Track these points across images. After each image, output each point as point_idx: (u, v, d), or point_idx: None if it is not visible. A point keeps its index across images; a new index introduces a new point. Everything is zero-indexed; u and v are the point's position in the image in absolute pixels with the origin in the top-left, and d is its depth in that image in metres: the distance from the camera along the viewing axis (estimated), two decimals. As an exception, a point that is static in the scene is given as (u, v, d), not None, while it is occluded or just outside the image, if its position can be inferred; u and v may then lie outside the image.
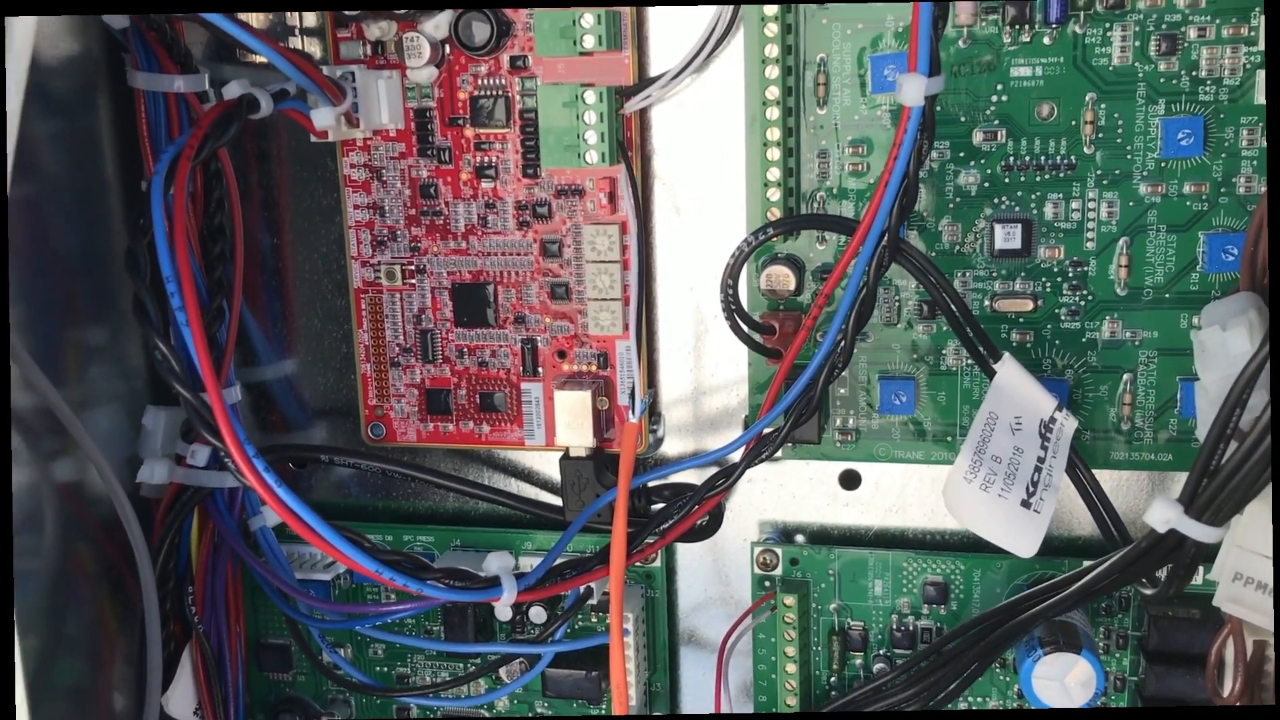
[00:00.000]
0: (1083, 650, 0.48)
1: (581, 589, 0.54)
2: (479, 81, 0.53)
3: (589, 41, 0.50)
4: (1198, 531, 0.41)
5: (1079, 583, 0.45)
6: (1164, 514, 0.41)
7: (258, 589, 0.60)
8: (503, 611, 0.51)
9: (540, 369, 0.56)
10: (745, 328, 0.50)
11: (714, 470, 0.51)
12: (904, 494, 0.56)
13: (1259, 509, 0.46)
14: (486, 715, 0.60)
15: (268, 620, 0.62)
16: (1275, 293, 0.43)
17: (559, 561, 0.52)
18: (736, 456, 0.50)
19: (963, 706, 0.55)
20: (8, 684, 0.48)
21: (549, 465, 0.59)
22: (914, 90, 0.42)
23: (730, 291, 0.49)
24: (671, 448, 0.58)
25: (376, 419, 0.58)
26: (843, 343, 0.47)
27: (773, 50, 0.49)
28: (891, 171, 0.44)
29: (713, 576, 0.60)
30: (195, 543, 0.58)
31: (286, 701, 0.63)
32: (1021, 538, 0.46)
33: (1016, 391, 0.47)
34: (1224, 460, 0.40)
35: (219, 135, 0.47)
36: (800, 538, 0.57)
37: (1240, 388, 0.40)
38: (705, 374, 0.57)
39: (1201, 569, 0.49)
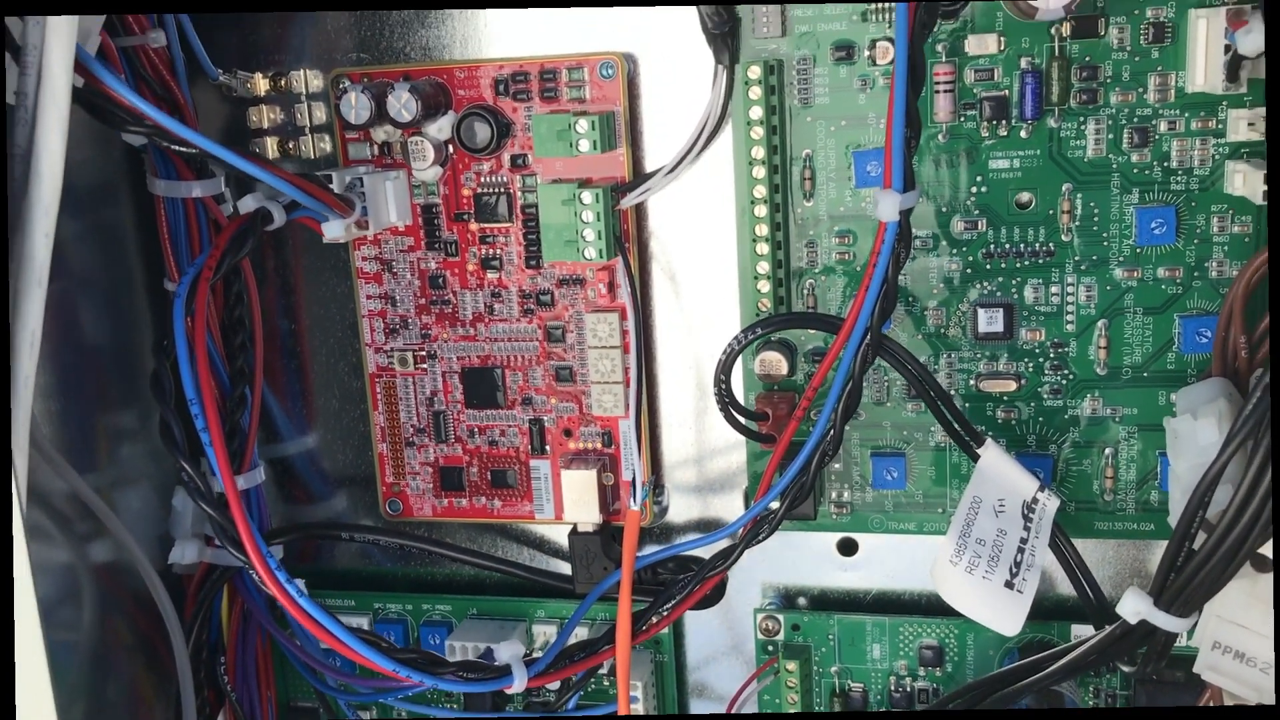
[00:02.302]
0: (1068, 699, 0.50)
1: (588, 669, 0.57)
2: (481, 179, 0.56)
3: (584, 145, 0.53)
4: (1166, 622, 0.43)
5: (1063, 660, 0.47)
6: (1134, 606, 0.43)
7: (287, 657, 0.63)
8: (515, 691, 0.54)
9: (548, 447, 0.59)
10: (741, 419, 0.52)
11: (718, 545, 0.54)
12: (899, 560, 0.58)
13: (1238, 583, 0.48)
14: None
15: (297, 685, 0.65)
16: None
17: (569, 643, 0.54)
18: (738, 534, 0.53)
19: (960, 762, 0.58)
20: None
21: (559, 536, 0.61)
22: (889, 207, 0.44)
23: (723, 386, 0.51)
24: (677, 513, 0.60)
25: (394, 495, 0.61)
26: (832, 431, 0.49)
27: (759, 152, 0.51)
28: (871, 278, 0.46)
29: (720, 634, 0.62)
30: (226, 616, 0.61)
31: (318, 761, 0.66)
32: (1006, 617, 0.48)
33: (999, 475, 0.49)
34: (1192, 555, 0.42)
35: (236, 250, 0.50)
36: (802, 600, 0.60)
37: (1205, 485, 0.42)
38: (707, 442, 0.59)
39: (1186, 633, 0.51)
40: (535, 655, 0.54)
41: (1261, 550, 0.42)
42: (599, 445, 0.58)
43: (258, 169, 0.49)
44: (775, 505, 0.52)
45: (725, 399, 0.51)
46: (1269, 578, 0.46)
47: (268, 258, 0.61)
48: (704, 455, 0.60)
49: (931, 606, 0.58)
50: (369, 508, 0.63)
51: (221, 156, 0.47)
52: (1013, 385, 0.53)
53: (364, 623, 0.62)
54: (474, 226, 0.57)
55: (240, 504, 0.46)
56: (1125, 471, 0.53)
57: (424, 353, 0.59)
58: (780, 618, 0.58)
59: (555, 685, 0.59)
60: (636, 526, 0.52)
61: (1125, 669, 0.48)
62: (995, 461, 0.50)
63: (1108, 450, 0.53)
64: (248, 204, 0.52)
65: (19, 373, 0.42)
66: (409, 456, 0.60)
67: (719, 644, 0.62)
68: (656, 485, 0.59)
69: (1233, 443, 0.40)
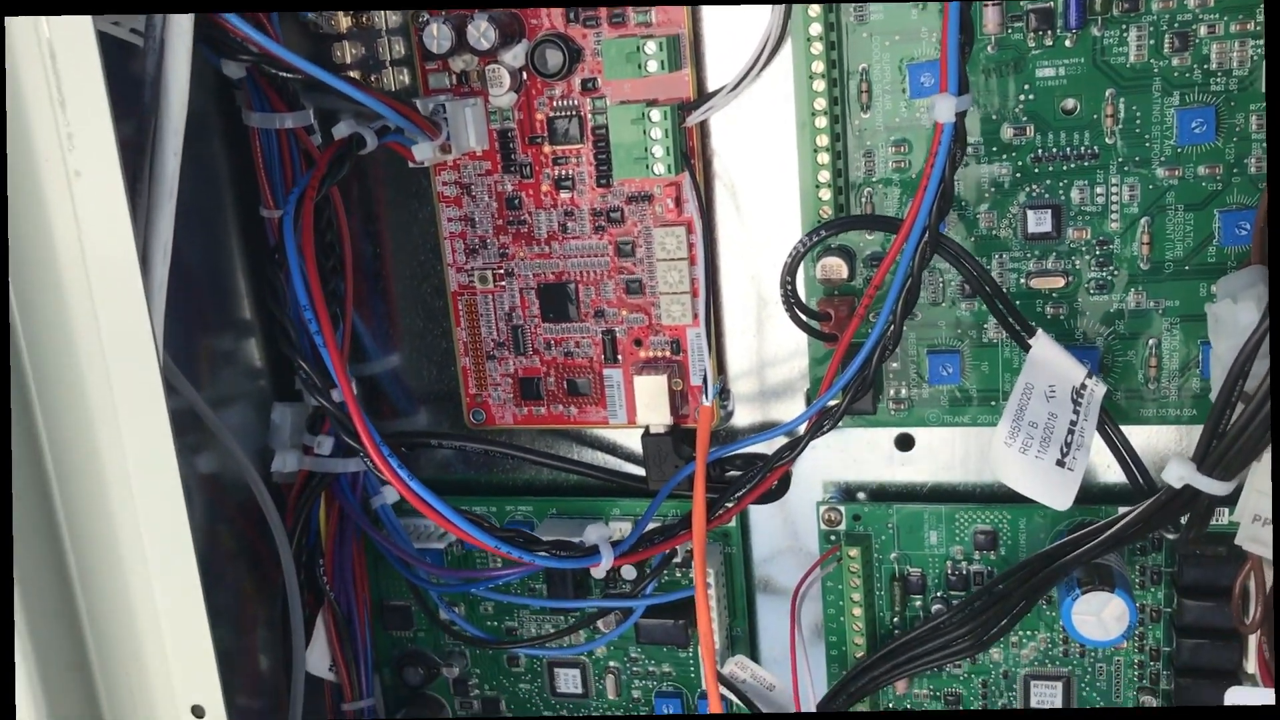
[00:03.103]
0: (1116, 589, 0.54)
1: (667, 550, 0.61)
2: (554, 103, 0.60)
3: (652, 66, 0.56)
4: (1209, 485, 0.46)
5: (1109, 531, 0.51)
6: (1179, 471, 0.47)
7: (380, 558, 0.68)
8: (600, 574, 0.59)
9: (620, 356, 0.63)
10: (804, 318, 0.56)
11: (781, 441, 0.58)
12: (954, 453, 0.62)
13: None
14: (587, 660, 0.68)
15: (389, 584, 0.70)
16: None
17: (648, 528, 0.59)
18: (801, 429, 0.57)
19: (1013, 640, 0.62)
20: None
21: (631, 440, 0.65)
22: (945, 109, 0.47)
23: (789, 287, 0.55)
24: (741, 419, 0.64)
25: (477, 405, 0.66)
26: (892, 326, 0.53)
27: (818, 66, 0.54)
28: (929, 178, 0.49)
29: (783, 532, 0.66)
30: (324, 520, 0.66)
31: (409, 656, 0.71)
32: (1058, 493, 0.52)
33: (1050, 363, 0.53)
34: (1231, 423, 0.45)
35: (335, 173, 0.54)
36: (861, 495, 0.63)
37: (1244, 357, 0.45)
38: (768, 351, 0.63)
39: (1227, 510, 0.55)
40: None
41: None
42: (668, 353, 0.62)
43: (361, 93, 0.53)
44: (836, 401, 0.56)
45: (791, 299, 0.55)
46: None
47: (351, 188, 0.65)
48: (765, 363, 0.63)
49: (985, 495, 0.62)
50: (453, 420, 0.67)
51: (327, 80, 0.51)
52: (1061, 282, 0.56)
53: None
54: (547, 149, 0.60)
55: (354, 397, 0.50)
56: (1168, 361, 0.56)
57: (502, 271, 0.63)
58: (842, 509, 0.62)
59: (632, 575, 0.63)
60: (709, 419, 0.56)
61: (1170, 536, 0.51)
62: (1046, 351, 0.53)
63: (1151, 341, 0.56)
64: (342, 130, 0.56)
65: (154, 281, 0.46)
66: (490, 369, 0.65)
67: (783, 540, 0.66)
68: (722, 391, 0.63)
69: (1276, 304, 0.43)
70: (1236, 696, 0.50)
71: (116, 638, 0.49)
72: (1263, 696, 0.50)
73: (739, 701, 0.62)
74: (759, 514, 0.66)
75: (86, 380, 0.45)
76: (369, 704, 0.67)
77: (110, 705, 0.49)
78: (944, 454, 0.62)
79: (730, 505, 0.58)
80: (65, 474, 0.48)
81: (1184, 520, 0.50)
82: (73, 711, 0.49)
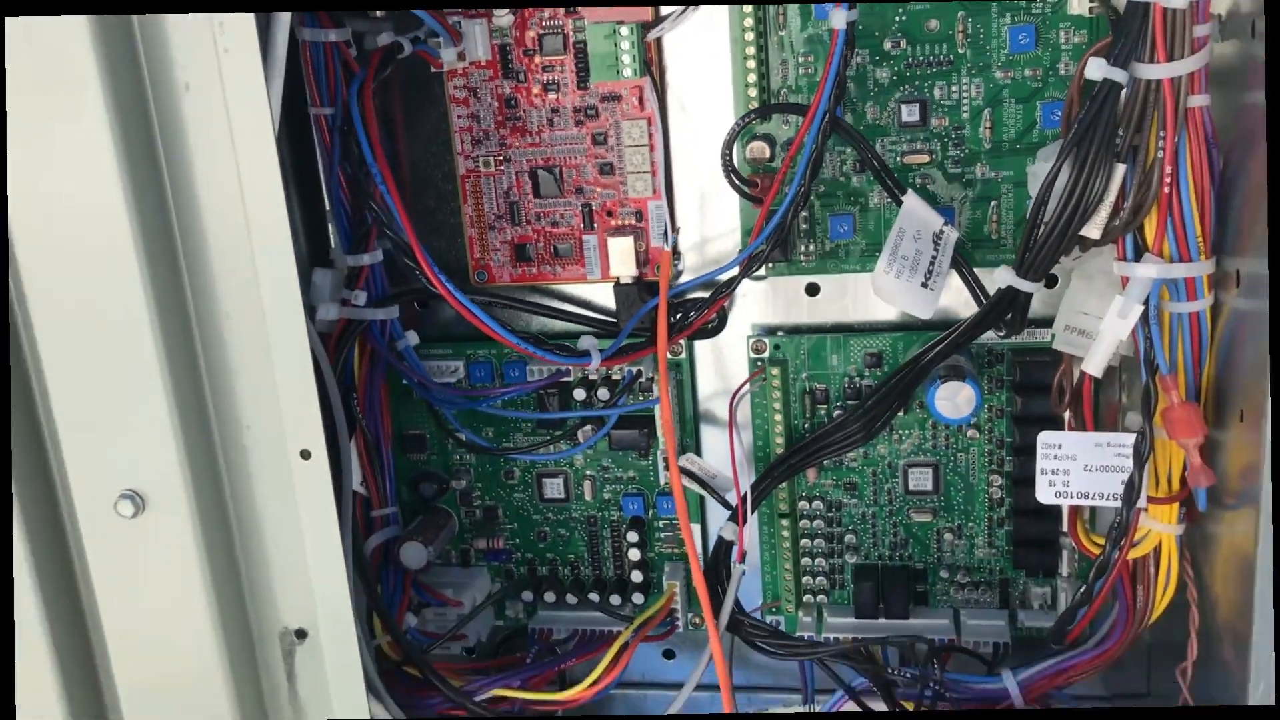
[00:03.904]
0: (967, 379, 0.73)
1: (633, 370, 0.79)
2: (543, 24, 0.77)
3: (622, -7, 0.74)
4: (1024, 285, 0.66)
5: (957, 331, 0.71)
6: (1004, 277, 0.66)
7: (402, 394, 0.85)
8: (592, 371, 0.76)
9: (595, 224, 0.80)
10: (738, 181, 0.74)
11: (720, 281, 0.76)
12: (850, 296, 0.81)
13: (1080, 284, 0.72)
14: (569, 470, 0.86)
15: (409, 416, 0.87)
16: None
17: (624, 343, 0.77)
18: (735, 270, 0.75)
19: (895, 437, 0.81)
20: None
21: (605, 293, 0.83)
22: (839, 18, 0.66)
23: (727, 157, 0.73)
24: (687, 277, 0.82)
25: (480, 268, 0.83)
26: (803, 189, 0.71)
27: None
28: (829, 72, 0.68)
29: (717, 375, 0.84)
30: (358, 363, 0.83)
31: (424, 475, 0.88)
32: (922, 307, 0.71)
33: (917, 214, 0.72)
34: (1036, 239, 0.65)
35: (382, 71, 0.71)
36: (780, 331, 0.82)
37: (1041, 192, 0.64)
38: (709, 226, 0.81)
39: (1050, 331, 0.75)
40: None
41: (1088, 233, 0.64)
42: (633, 221, 0.80)
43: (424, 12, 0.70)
44: (762, 249, 0.74)
45: (729, 167, 0.73)
46: (1106, 275, 0.69)
47: (376, 97, 0.81)
48: (707, 239, 0.81)
49: (873, 328, 0.81)
50: (460, 281, 0.84)
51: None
52: (926, 158, 0.75)
53: (460, 366, 0.84)
54: (538, 59, 0.78)
55: (414, 234, 0.68)
56: (1006, 217, 0.76)
57: (501, 158, 0.80)
58: (766, 340, 0.80)
59: (606, 396, 0.81)
60: (669, 261, 0.74)
61: (1001, 333, 0.71)
62: (914, 205, 0.72)
63: (993, 202, 0.76)
64: (385, 39, 0.73)
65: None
66: (490, 238, 0.82)
67: (717, 382, 0.84)
68: (675, 253, 0.81)
69: (1063, 154, 0.63)
70: (1046, 437, 0.69)
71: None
72: (1067, 436, 0.69)
73: (695, 487, 0.80)
74: (701, 350, 0.84)
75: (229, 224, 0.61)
76: (392, 510, 0.84)
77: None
78: (843, 297, 0.81)
79: (686, 326, 0.76)
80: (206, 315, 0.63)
81: (1009, 318, 0.69)
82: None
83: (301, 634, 0.69)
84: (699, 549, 0.85)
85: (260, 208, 0.61)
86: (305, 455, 0.64)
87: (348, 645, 0.68)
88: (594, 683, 0.79)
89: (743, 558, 0.75)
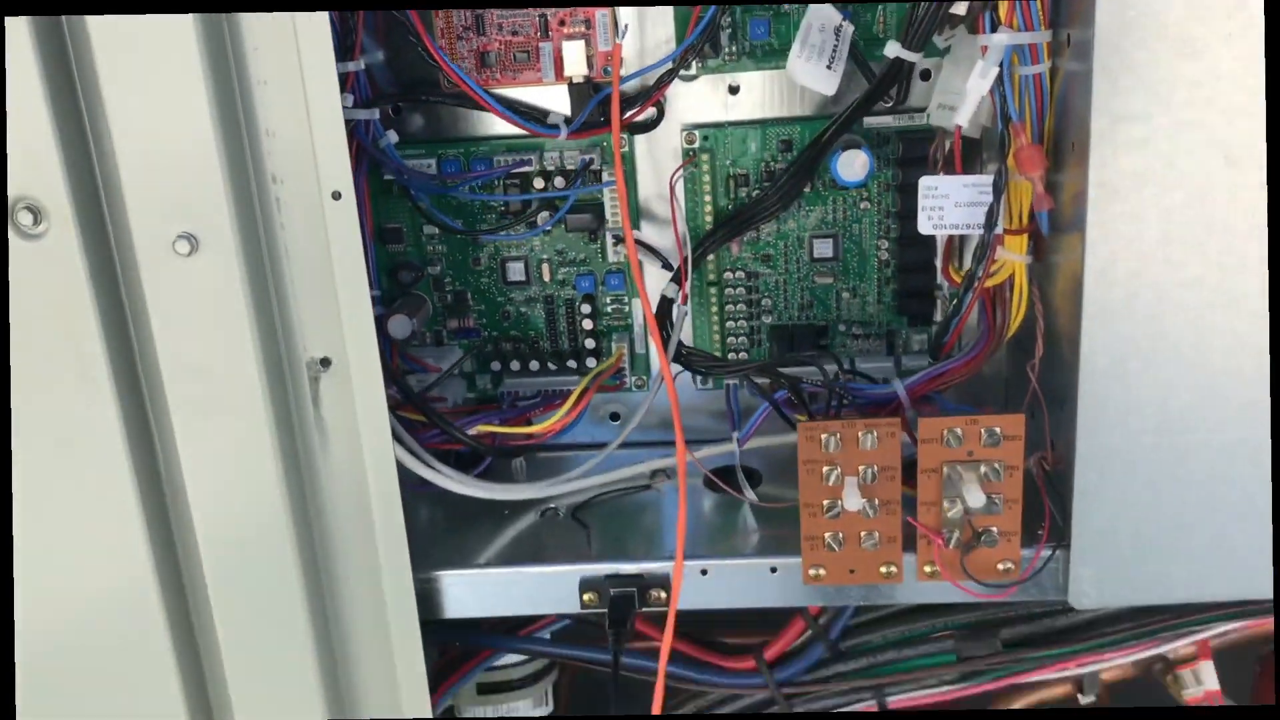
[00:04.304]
0: (863, 148, 0.91)
1: (586, 159, 0.94)
2: None
3: None
4: (909, 55, 0.84)
5: (852, 108, 0.88)
6: (893, 49, 0.84)
7: (381, 191, 0.98)
8: (562, 137, 0.91)
9: (550, 32, 0.94)
10: (676, -15, 0.90)
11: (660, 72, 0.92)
12: (767, 92, 0.97)
13: (949, 69, 0.90)
14: (529, 254, 1.00)
15: (388, 210, 1.00)
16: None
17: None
18: (670, 66, 0.90)
19: (803, 212, 0.98)
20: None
21: (560, 93, 0.97)
22: None
23: (668, -36, 0.88)
24: (629, 87, 0.97)
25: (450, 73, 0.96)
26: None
27: None
28: (751, -114, 0.83)
29: (654, 164, 1.00)
30: (347, 161, 0.95)
31: (401, 264, 1.01)
32: (827, 85, 0.88)
33: (823, 11, 0.88)
34: (917, 14, 0.82)
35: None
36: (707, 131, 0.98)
37: (924, -17, 0.82)
38: (647, 35, 0.96)
39: (928, 113, 0.92)
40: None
41: (956, 10, 0.82)
42: (583, 29, 0.94)
43: None
44: (694, 44, 0.90)
45: (668, -28, 0.89)
46: (968, 61, 0.87)
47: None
48: (645, 50, 0.96)
49: (788, 120, 0.97)
50: (432, 85, 0.97)
51: None
52: (826, -30, 0.92)
53: (432, 162, 0.98)
54: (500, -112, 0.91)
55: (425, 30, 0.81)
56: (890, 19, 0.93)
57: (468, -21, 0.93)
58: (697, 133, 0.96)
59: (562, 184, 0.96)
60: (619, 51, 0.90)
61: (888, 104, 0.88)
62: (820, 4, 0.89)
63: (880, 6, 0.93)
64: None
65: None
66: (459, 46, 0.95)
67: (654, 174, 1.00)
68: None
69: None
70: (926, 181, 0.87)
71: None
72: (942, 179, 0.87)
73: (643, 255, 0.96)
74: (641, 145, 0.99)
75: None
76: (376, 293, 0.97)
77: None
78: (760, 95, 0.97)
79: (630, 113, 0.92)
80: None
81: (895, 90, 0.87)
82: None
83: (326, 362, 0.83)
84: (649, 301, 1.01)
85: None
86: (336, 196, 0.77)
87: (373, 371, 0.82)
88: (561, 418, 0.94)
89: (685, 301, 0.91)
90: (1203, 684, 1.06)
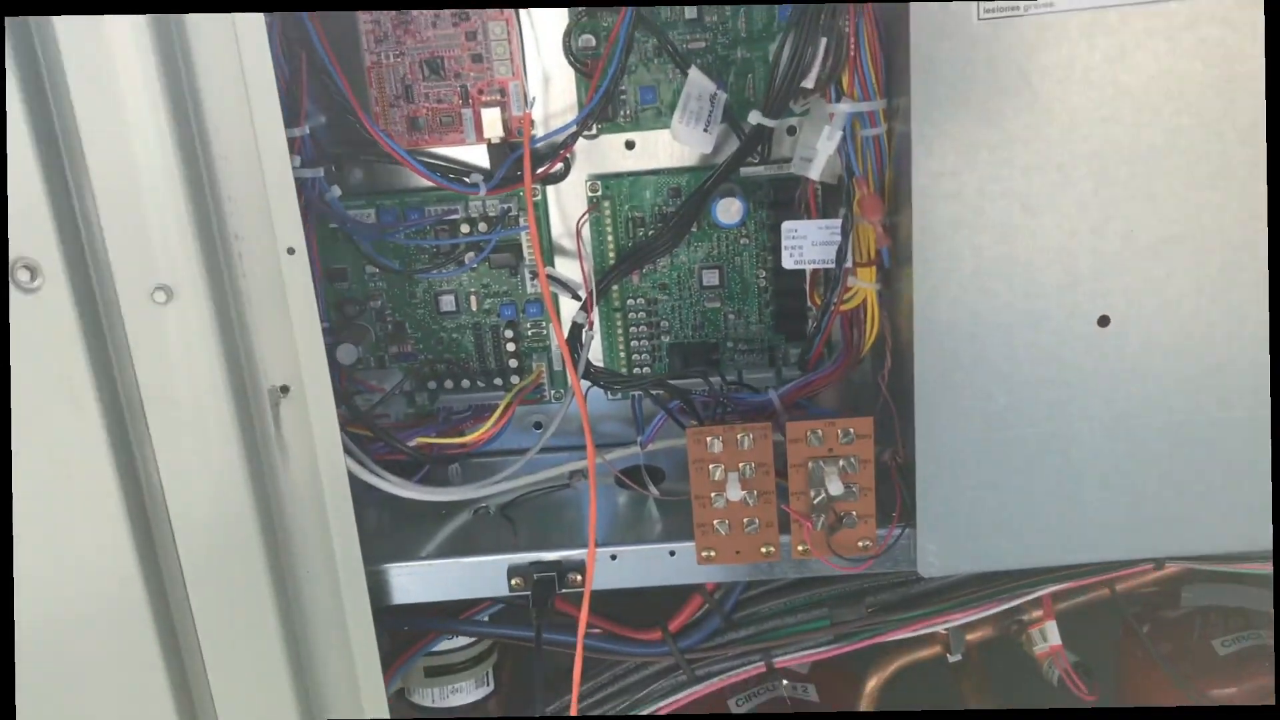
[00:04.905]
0: (737, 195, 1.07)
1: (505, 207, 1.10)
2: (428, -49, 1.05)
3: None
4: (769, 122, 1.00)
5: (727, 163, 1.04)
6: (755, 117, 1.00)
7: (327, 238, 1.12)
8: (483, 192, 1.06)
9: (470, 101, 1.10)
10: (575, 62, 1.05)
11: (567, 134, 1.07)
12: (657, 147, 1.13)
13: (807, 129, 1.07)
14: (458, 289, 1.16)
15: (333, 253, 1.14)
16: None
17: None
18: (574, 129, 1.06)
19: (693, 247, 1.15)
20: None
21: (480, 152, 1.12)
22: (640, -55, 0.98)
23: (567, 45, 1.04)
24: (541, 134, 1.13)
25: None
26: (621, 66, 1.03)
27: (575, -71, 1.04)
28: (634, -18, 1.00)
29: (562, 211, 1.15)
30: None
31: (346, 299, 1.16)
32: (705, 145, 1.04)
33: (698, 83, 1.05)
34: (773, 88, 0.99)
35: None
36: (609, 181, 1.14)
37: (774, 59, 0.98)
38: (552, 100, 1.12)
39: (792, 167, 1.09)
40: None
41: (806, 85, 0.99)
42: (499, 97, 1.10)
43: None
44: (596, 109, 1.05)
45: (568, 51, 1.04)
46: (822, 121, 1.04)
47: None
48: (553, 112, 1.12)
49: (677, 171, 1.13)
50: (370, 144, 1.12)
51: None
52: (703, 44, 1.08)
53: (371, 212, 1.12)
54: (424, -22, 1.06)
55: (356, 101, 0.96)
56: (758, 86, 1.10)
57: (398, 52, 1.08)
58: (600, 182, 1.12)
59: (485, 228, 1.11)
60: (529, 119, 1.05)
61: (754, 162, 1.05)
62: (696, 75, 1.05)
63: (749, 75, 1.09)
64: (316, -38, 1.00)
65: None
66: (392, 112, 1.10)
67: (562, 218, 1.16)
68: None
69: (785, 33, 0.97)
70: (788, 225, 1.04)
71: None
72: (800, 224, 1.04)
73: (555, 288, 1.12)
74: (552, 196, 1.14)
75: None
76: (326, 325, 1.12)
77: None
78: (652, 149, 1.13)
79: (541, 169, 1.07)
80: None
81: (760, 148, 1.04)
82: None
83: (285, 389, 0.97)
84: (561, 326, 1.17)
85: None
86: (290, 251, 0.92)
87: (326, 396, 0.97)
88: (489, 428, 1.10)
89: (592, 326, 1.07)
90: (1048, 640, 1.25)
